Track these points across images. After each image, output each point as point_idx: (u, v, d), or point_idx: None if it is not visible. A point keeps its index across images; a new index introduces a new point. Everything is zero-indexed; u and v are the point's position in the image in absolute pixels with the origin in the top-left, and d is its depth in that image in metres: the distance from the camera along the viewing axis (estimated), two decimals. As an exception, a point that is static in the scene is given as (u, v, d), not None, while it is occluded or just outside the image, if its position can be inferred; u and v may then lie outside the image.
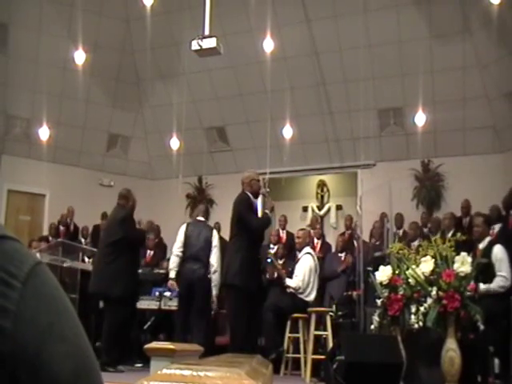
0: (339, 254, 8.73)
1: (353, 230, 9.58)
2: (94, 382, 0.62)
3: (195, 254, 6.31)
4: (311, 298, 6.68)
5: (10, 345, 0.54)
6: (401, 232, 9.19)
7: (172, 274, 6.48)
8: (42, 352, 0.56)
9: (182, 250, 6.42)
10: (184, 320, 6.26)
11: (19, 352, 0.54)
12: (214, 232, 6.61)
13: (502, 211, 8.11)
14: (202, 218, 6.73)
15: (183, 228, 6.57)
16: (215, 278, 6.31)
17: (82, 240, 9.87)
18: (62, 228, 10.51)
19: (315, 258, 6.95)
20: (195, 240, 6.36)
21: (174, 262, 6.47)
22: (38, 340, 0.55)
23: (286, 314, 6.61)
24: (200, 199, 11.60)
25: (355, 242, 9.10)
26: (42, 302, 0.58)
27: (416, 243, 7.44)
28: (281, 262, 8.18)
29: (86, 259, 8.04)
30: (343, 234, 9.78)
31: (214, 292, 6.37)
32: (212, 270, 6.31)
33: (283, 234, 10.08)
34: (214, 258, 6.33)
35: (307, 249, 6.95)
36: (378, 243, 8.46)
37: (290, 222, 10.66)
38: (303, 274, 6.63)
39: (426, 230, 9.03)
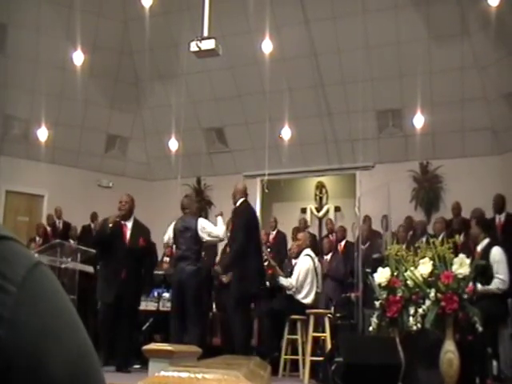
0: (325, 257, 8.72)
1: (336, 233, 9.73)
2: (93, 382, 0.59)
3: (182, 254, 6.32)
4: (309, 300, 6.64)
5: (4, 354, 0.51)
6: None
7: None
8: (36, 357, 0.52)
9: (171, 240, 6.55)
10: (178, 321, 6.24)
11: (14, 360, 0.51)
12: (199, 221, 6.42)
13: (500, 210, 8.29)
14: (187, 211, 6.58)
15: (172, 225, 6.60)
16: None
17: (71, 241, 9.35)
18: (48, 228, 10.46)
19: (315, 260, 6.94)
20: (182, 238, 6.35)
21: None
22: (32, 345, 0.52)
23: (283, 317, 6.61)
24: (198, 200, 11.58)
25: (340, 245, 9.32)
26: (39, 305, 0.54)
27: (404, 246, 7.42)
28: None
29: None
30: (327, 236, 9.82)
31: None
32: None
33: (271, 236, 10.01)
34: (220, 232, 6.38)
35: (307, 250, 6.95)
36: (366, 246, 8.45)
37: (289, 223, 10.64)
38: (298, 273, 6.65)
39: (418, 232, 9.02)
